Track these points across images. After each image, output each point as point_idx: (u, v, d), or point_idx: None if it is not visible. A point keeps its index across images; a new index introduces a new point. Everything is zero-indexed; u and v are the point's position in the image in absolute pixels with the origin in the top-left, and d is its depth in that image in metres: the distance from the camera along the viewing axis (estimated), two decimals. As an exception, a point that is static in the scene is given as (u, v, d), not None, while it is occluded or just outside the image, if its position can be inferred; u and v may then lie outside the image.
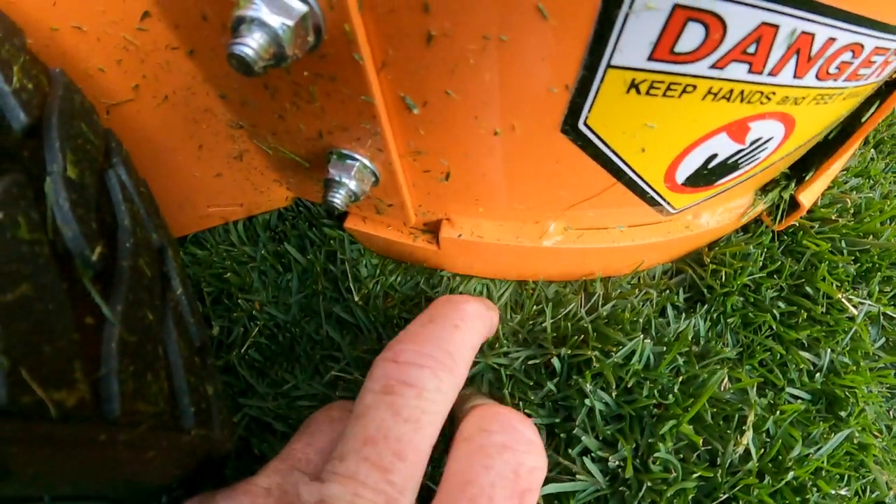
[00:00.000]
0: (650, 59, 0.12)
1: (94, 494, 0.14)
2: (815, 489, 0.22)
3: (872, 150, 0.36)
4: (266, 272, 0.23)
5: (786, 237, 0.28)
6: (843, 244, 0.29)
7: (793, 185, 0.23)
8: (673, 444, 0.20)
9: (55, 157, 0.10)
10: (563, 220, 0.19)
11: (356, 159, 0.16)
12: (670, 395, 0.21)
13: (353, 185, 0.16)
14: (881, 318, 0.28)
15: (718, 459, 0.21)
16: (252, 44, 0.10)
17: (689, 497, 0.20)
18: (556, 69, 0.12)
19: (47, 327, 0.09)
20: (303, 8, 0.10)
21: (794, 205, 0.24)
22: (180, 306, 0.15)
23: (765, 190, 0.24)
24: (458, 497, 0.13)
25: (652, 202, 0.18)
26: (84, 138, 0.13)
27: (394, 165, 0.16)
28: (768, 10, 0.11)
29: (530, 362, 0.20)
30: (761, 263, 0.25)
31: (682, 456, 0.21)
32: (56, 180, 0.10)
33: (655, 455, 0.20)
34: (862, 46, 0.13)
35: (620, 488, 0.20)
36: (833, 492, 0.22)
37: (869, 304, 0.27)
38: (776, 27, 0.12)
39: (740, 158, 0.17)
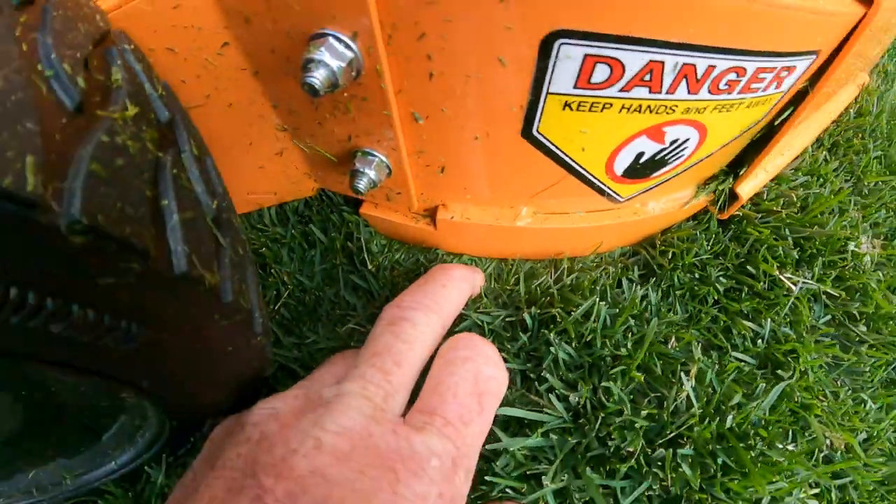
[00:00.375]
0: (575, 87, 0.18)
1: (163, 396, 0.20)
2: (758, 438, 0.27)
3: (826, 152, 0.43)
4: (294, 248, 0.30)
5: (732, 226, 0.34)
6: (788, 232, 0.35)
7: (730, 179, 0.30)
8: (625, 385, 0.26)
9: (185, 141, 0.17)
10: (532, 205, 0.26)
11: (375, 156, 0.23)
12: (623, 349, 0.27)
13: (373, 175, 0.23)
14: (823, 296, 0.34)
15: (665, 403, 0.27)
16: (318, 77, 0.17)
17: (641, 433, 0.26)
18: (513, 96, 0.19)
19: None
20: (350, 55, 0.17)
21: (734, 197, 0.30)
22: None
23: (706, 183, 0.30)
24: (431, 394, 0.19)
25: (600, 191, 0.25)
26: (194, 128, 0.19)
27: (403, 161, 0.23)
28: (652, 51, 0.18)
29: (507, 319, 0.27)
30: (707, 246, 0.32)
31: (633, 398, 0.27)
32: (188, 157, 0.17)
33: (609, 395, 0.26)
34: (745, 69, 0.20)
35: (580, 421, 0.25)
36: (780, 445, 0.28)
37: (810, 283, 0.33)
38: (662, 62, 0.18)
39: (666, 155, 0.23)
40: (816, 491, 0.28)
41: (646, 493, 0.25)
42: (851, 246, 0.36)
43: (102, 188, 0.12)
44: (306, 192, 0.30)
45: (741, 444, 0.26)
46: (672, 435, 0.26)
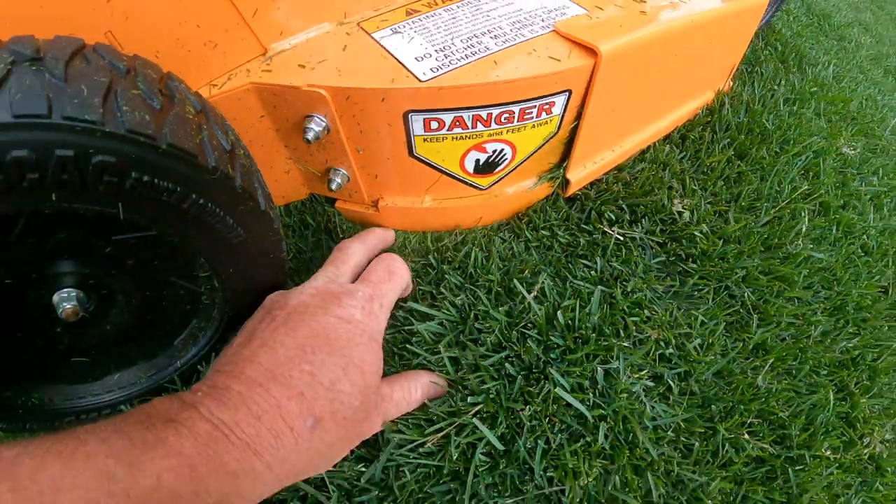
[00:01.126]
0: (424, 131, 0.41)
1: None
2: (589, 329, 0.48)
3: (672, 145, 0.64)
4: (295, 229, 0.53)
5: (577, 202, 0.56)
6: (622, 202, 0.56)
7: (561, 170, 0.52)
8: (491, 295, 0.47)
9: (215, 122, 0.40)
10: (431, 194, 0.49)
11: (340, 171, 0.46)
12: (491, 275, 0.48)
13: (339, 181, 0.46)
14: (652, 243, 0.55)
15: (518, 306, 0.48)
16: (310, 135, 0.40)
17: (501, 322, 0.47)
18: (399, 137, 0.42)
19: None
20: (325, 123, 0.40)
21: (567, 181, 0.52)
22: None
23: (548, 173, 0.52)
24: (363, 275, 0.41)
25: (466, 183, 0.47)
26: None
27: (355, 173, 0.46)
28: (456, 112, 0.41)
29: (422, 262, 0.49)
30: (556, 215, 0.53)
31: (497, 303, 0.48)
32: (213, 123, 0.40)
33: (479, 300, 0.47)
34: (512, 111, 0.43)
35: (462, 315, 0.47)
36: (612, 339, 0.48)
37: (634, 233, 0.54)
38: (462, 116, 0.41)
39: (495, 159, 0.46)
40: (653, 374, 0.47)
41: (507, 358, 0.46)
42: (678, 206, 0.57)
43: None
44: (302, 195, 0.53)
45: (573, 334, 0.47)
46: (522, 324, 0.47)
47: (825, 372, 0.53)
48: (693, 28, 0.51)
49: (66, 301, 0.34)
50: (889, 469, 0.50)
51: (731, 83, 0.76)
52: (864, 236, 0.68)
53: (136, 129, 0.26)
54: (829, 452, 0.48)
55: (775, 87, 0.84)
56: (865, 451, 0.50)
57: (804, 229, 0.61)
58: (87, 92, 0.25)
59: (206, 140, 0.30)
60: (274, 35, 0.41)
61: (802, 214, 0.63)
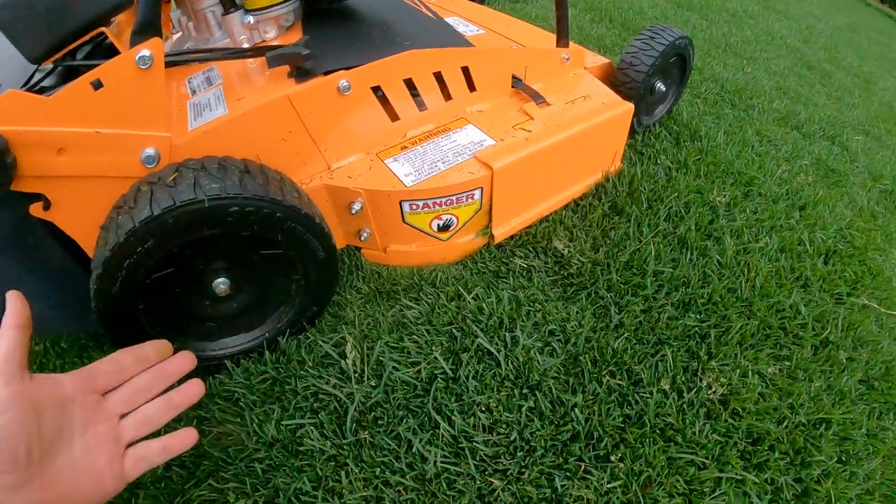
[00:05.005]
0: (409, 210, 0.85)
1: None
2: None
3: (570, 210, 1.08)
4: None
5: (501, 247, 0.99)
6: (527, 245, 0.99)
7: (489, 229, 0.95)
8: (447, 298, 0.89)
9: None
10: (415, 243, 0.92)
11: (367, 230, 0.91)
12: (449, 287, 0.90)
13: (366, 235, 0.90)
14: (545, 269, 0.98)
15: (462, 303, 0.89)
16: (354, 210, 0.85)
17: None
18: (397, 215, 0.86)
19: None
20: (363, 206, 0.85)
21: (493, 236, 0.96)
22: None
23: (482, 230, 0.96)
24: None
25: (434, 237, 0.91)
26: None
27: (374, 231, 0.91)
28: (423, 199, 0.85)
29: (411, 282, 0.92)
30: (488, 255, 0.96)
31: (452, 300, 0.89)
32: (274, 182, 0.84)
33: (441, 300, 0.89)
34: (453, 199, 0.87)
35: (431, 307, 0.88)
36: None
37: (536, 263, 0.97)
38: (427, 201, 0.85)
39: (448, 223, 0.90)
40: (543, 341, 0.88)
41: (455, 328, 0.87)
42: (558, 244, 1.00)
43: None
44: (340, 246, 0.97)
45: (493, 317, 0.88)
46: (464, 312, 0.89)
47: (674, 342, 0.91)
48: (566, 141, 0.96)
49: (221, 283, 0.68)
50: (736, 406, 0.88)
51: (621, 164, 1.21)
52: (720, 256, 1.08)
53: (271, 196, 0.69)
54: (666, 387, 0.86)
55: (659, 161, 1.29)
56: (708, 394, 0.85)
57: (655, 254, 1.02)
58: (231, 178, 0.69)
59: (305, 201, 0.74)
60: (333, 160, 0.87)
61: (658, 246, 1.04)
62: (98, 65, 0.61)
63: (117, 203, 0.64)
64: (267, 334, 0.78)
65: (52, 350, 0.97)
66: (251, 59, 0.84)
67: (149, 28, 0.63)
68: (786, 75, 2.29)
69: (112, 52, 0.77)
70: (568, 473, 0.71)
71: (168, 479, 0.69)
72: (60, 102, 0.60)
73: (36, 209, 0.65)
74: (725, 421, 0.80)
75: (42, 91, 0.74)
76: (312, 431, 0.73)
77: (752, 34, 2.73)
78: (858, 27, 4.51)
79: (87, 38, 0.73)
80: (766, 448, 0.78)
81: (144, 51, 0.61)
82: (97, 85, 0.61)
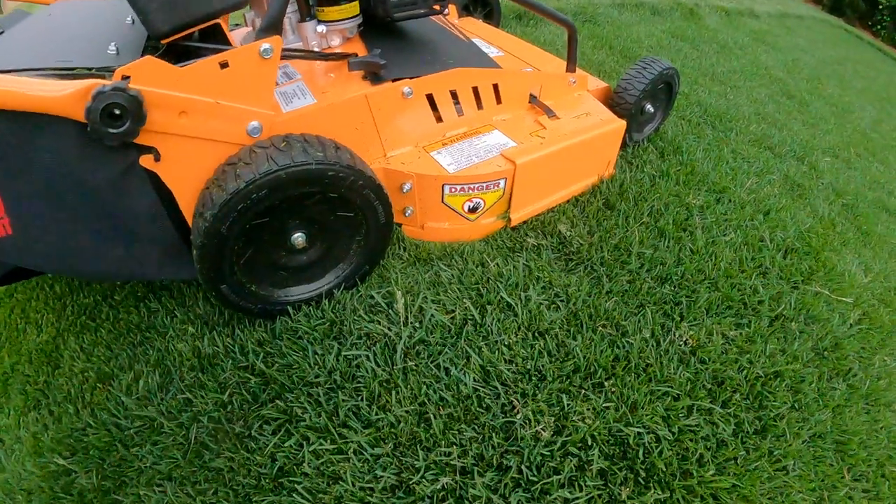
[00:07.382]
0: (448, 193, 1.13)
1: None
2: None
3: (571, 204, 1.36)
4: (385, 237, 1.23)
5: (517, 228, 1.26)
6: (538, 228, 1.26)
7: (508, 213, 1.22)
8: (474, 265, 1.15)
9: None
10: (448, 222, 1.19)
11: (410, 207, 1.18)
12: (475, 256, 1.16)
13: (409, 212, 1.17)
14: (551, 247, 1.25)
15: (485, 270, 1.16)
16: (405, 189, 1.12)
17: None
18: (437, 196, 1.14)
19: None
20: (411, 186, 1.13)
21: (510, 219, 1.23)
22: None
23: (503, 214, 1.23)
24: None
25: (464, 217, 1.18)
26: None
27: (416, 209, 1.17)
28: (460, 184, 1.12)
29: (445, 253, 1.19)
30: (506, 235, 1.23)
31: (478, 266, 1.16)
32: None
33: (468, 267, 1.15)
34: (482, 185, 1.14)
35: (461, 271, 1.14)
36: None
37: (545, 242, 1.24)
38: (463, 186, 1.13)
39: (476, 206, 1.17)
40: (549, 300, 1.15)
41: (482, 285, 1.13)
42: (562, 228, 1.27)
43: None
44: (389, 221, 1.24)
45: (510, 281, 1.15)
46: (487, 276, 1.15)
47: (653, 305, 1.17)
48: (571, 147, 1.24)
49: (299, 237, 0.92)
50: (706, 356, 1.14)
51: (614, 171, 1.49)
52: (692, 245, 1.35)
53: (357, 167, 0.95)
54: (647, 335, 1.12)
55: (645, 170, 1.57)
56: (680, 344, 1.11)
57: (639, 240, 1.30)
58: (329, 150, 0.96)
59: (373, 172, 1.00)
60: (389, 149, 1.13)
61: (642, 234, 1.31)
62: (221, 49, 0.83)
63: (229, 160, 0.84)
64: (325, 286, 1.01)
65: (103, 302, 1.19)
66: (320, 61, 1.11)
67: (273, 27, 0.87)
68: (765, 103, 2.61)
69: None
70: (572, 395, 0.96)
71: (233, 401, 0.94)
72: (191, 74, 0.78)
73: (146, 160, 0.80)
74: (694, 366, 1.06)
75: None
76: (367, 361, 0.98)
77: (738, 64, 3.07)
78: (846, 60, 4.88)
79: (204, 26, 0.94)
80: (729, 389, 1.03)
81: (267, 45, 0.82)
82: (224, 65, 0.80)
